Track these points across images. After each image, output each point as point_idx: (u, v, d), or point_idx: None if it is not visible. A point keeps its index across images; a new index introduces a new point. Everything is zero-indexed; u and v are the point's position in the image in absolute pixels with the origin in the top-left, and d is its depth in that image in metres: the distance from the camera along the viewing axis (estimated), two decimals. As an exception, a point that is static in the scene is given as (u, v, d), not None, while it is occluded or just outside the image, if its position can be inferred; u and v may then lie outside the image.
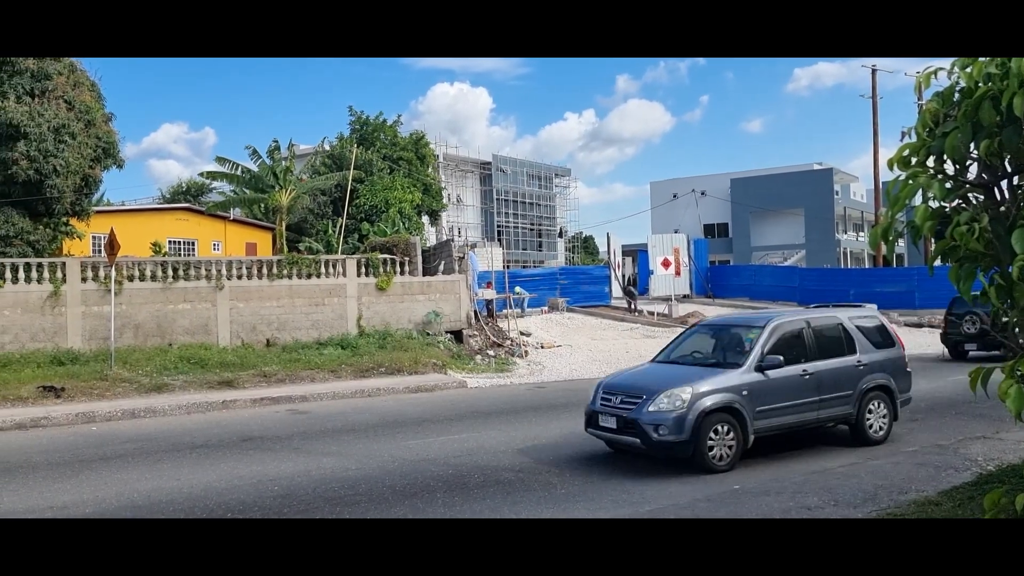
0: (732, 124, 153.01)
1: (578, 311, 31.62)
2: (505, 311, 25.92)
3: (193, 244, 39.43)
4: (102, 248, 23.98)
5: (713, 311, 31.87)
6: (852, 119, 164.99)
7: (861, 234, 63.11)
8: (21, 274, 17.89)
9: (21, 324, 17.69)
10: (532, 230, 72.58)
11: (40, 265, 18.33)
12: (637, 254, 44.55)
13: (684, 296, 36.33)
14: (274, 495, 8.31)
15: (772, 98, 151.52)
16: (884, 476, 8.61)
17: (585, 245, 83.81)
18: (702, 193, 62.62)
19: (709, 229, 62.67)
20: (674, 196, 63.84)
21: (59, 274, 18.24)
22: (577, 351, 22.58)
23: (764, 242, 59.70)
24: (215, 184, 44.14)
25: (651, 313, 30.57)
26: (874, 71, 38.05)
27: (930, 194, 3.28)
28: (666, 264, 34.37)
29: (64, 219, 24.11)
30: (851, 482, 8.37)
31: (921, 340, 24.28)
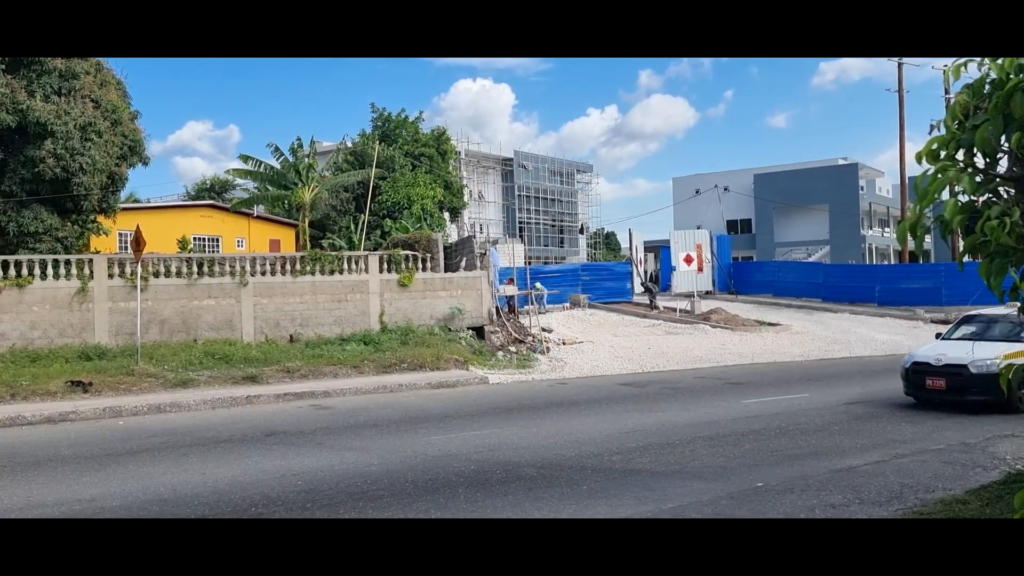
0: (756, 119, 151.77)
1: (600, 307, 31.54)
2: (527, 307, 25.92)
3: (217, 241, 39.77)
4: (128, 245, 24.27)
5: (736, 307, 31.70)
6: (878, 113, 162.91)
7: (887, 230, 62.39)
8: (50, 271, 18.15)
9: (50, 320, 17.95)
10: (554, 226, 72.44)
11: (68, 262, 18.58)
12: (659, 250, 44.39)
13: (707, 292, 36.12)
14: (298, 490, 8.37)
15: (797, 92, 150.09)
16: (910, 474, 8.52)
17: (607, 241, 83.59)
18: (725, 189, 62.18)
19: (732, 225, 62.24)
20: (696, 192, 63.46)
21: (87, 270, 18.48)
22: (599, 347, 22.52)
23: (788, 238, 59.17)
24: (239, 181, 44.51)
25: (673, 310, 30.42)
26: (900, 65, 37.56)
27: (960, 188, 3.22)
28: (688, 260, 34.18)
29: (91, 216, 24.41)
30: (876, 480, 8.29)
31: (948, 337, 23.99)
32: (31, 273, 17.99)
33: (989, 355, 11.89)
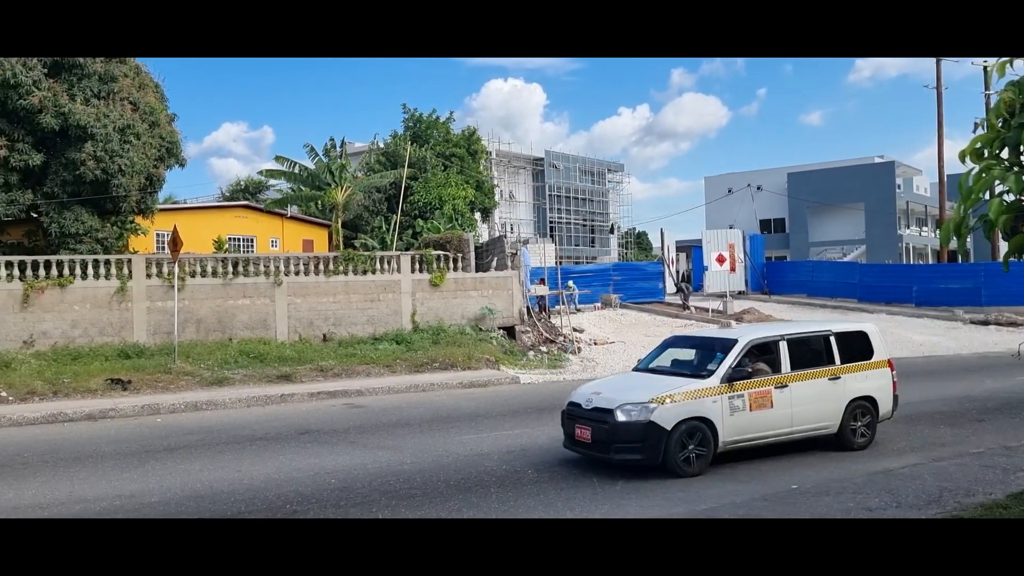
0: (790, 117, 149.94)
1: (631, 307, 31.41)
2: (558, 307, 25.89)
3: (252, 241, 40.25)
4: (166, 245, 24.65)
5: (769, 307, 31.37)
6: (916, 110, 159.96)
7: (924, 229, 61.34)
8: (90, 271, 18.50)
9: (90, 319, 18.30)
10: (585, 226, 72.24)
11: (108, 262, 18.93)
12: (691, 250, 44.07)
13: (739, 292, 35.81)
14: (331, 487, 8.44)
15: (833, 90, 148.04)
16: (949, 478, 8.37)
17: (638, 241, 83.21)
18: (758, 188, 61.55)
19: (765, 224, 61.59)
20: (729, 191, 62.94)
21: (125, 270, 18.81)
22: (630, 347, 22.42)
23: (822, 238, 58.41)
24: (273, 182, 44.98)
25: (705, 310, 30.19)
26: (938, 61, 36.89)
27: (1005, 187, 3.16)
28: (721, 260, 33.86)
29: (130, 217, 24.86)
30: (914, 484, 8.16)
31: (987, 338, 23.55)
32: (72, 273, 18.36)
33: (644, 396, 8.80)
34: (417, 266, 21.92)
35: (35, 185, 22.33)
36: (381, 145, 45.52)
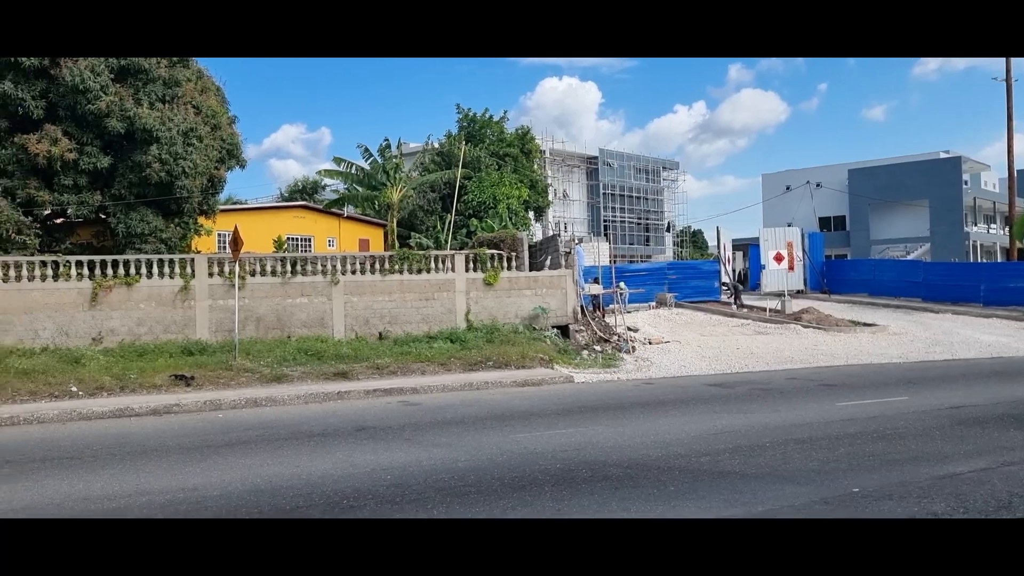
0: (852, 112, 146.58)
1: (687, 306, 31.08)
2: (612, 306, 25.74)
3: (309, 240, 40.97)
4: (227, 245, 25.27)
5: (829, 307, 30.71)
6: (984, 104, 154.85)
7: (993, 226, 59.28)
8: (155, 270, 19.07)
9: (155, 316, 18.86)
10: (639, 224, 71.72)
11: (172, 261, 19.48)
12: (748, 248, 43.39)
13: (798, 291, 35.11)
14: (387, 484, 8.53)
15: (897, 83, 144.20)
16: (1020, 483, 8.08)
17: (694, 239, 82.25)
18: (817, 185, 60.30)
19: (825, 222, 60.30)
20: (787, 188, 61.78)
21: (188, 270, 19.34)
22: (686, 347, 22.19)
23: (884, 235, 56.91)
24: (329, 182, 45.70)
25: (763, 309, 29.69)
26: (1009, 52, 35.57)
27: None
28: (779, 258, 33.23)
29: (193, 217, 25.53)
30: (982, 489, 7.89)
31: (1062, 339, 22.64)
32: (138, 272, 18.95)
33: None
34: (471, 265, 22.04)
35: (103, 187, 23.10)
36: (436, 145, 45.89)
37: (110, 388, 15.11)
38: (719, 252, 38.39)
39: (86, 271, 18.61)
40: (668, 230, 74.93)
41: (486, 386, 16.31)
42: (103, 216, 24.10)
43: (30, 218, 22.14)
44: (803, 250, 37.46)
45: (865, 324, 26.76)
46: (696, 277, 34.99)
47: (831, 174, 60.20)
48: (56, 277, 18.41)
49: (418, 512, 7.47)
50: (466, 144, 41.23)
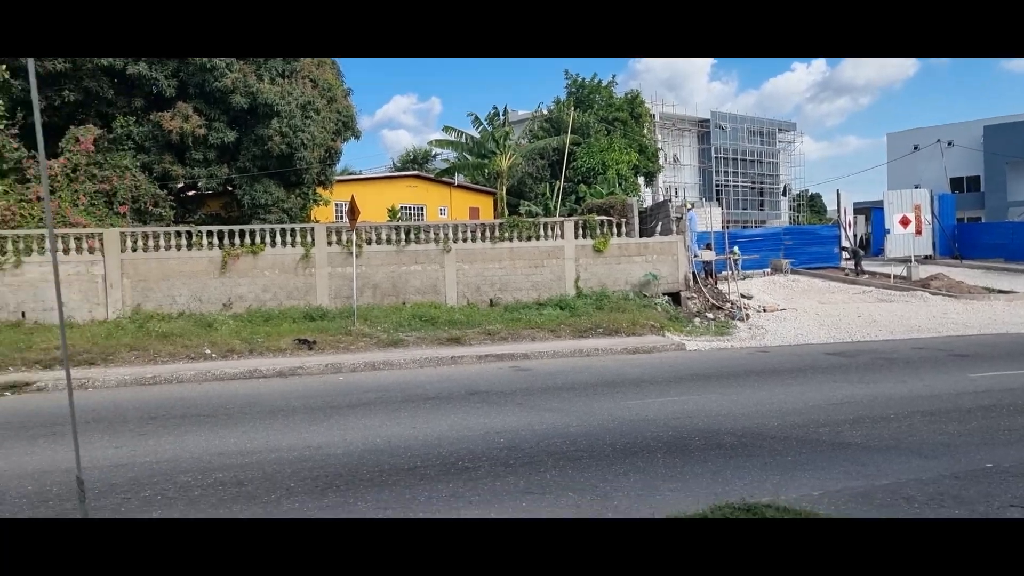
0: (988, 64, 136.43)
1: (803, 273, 30.03)
2: (724, 273, 25.18)
3: (422, 209, 41.81)
4: (343, 214, 26.10)
5: (960, 273, 29.02)
6: None
7: None
8: (278, 239, 19.95)
9: (279, 283, 19.78)
10: (753, 188, 69.57)
11: (293, 231, 20.33)
12: (871, 212, 41.41)
13: (926, 257, 33.35)
14: (500, 447, 8.72)
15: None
16: None
17: (811, 203, 79.13)
18: (948, 143, 56.62)
19: (956, 183, 56.65)
20: (915, 148, 58.30)
21: (309, 238, 20.14)
22: (803, 315, 21.48)
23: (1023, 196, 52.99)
24: (439, 151, 46.41)
25: (886, 275, 28.34)
26: None
27: None
28: (905, 222, 31.56)
29: (312, 188, 26.51)
30: None
31: None
32: (263, 241, 19.88)
33: None
34: (580, 232, 21.98)
35: (229, 160, 24.27)
36: (544, 112, 45.75)
37: (240, 351, 15.99)
38: (839, 216, 36.82)
39: (216, 240, 19.67)
40: (784, 194, 72.32)
41: (596, 353, 16.33)
42: (230, 188, 25.36)
43: (165, 191, 23.56)
44: (932, 213, 35.49)
45: (1001, 291, 25.14)
46: (814, 243, 33.71)
47: (964, 132, 56.34)
48: (190, 247, 19.55)
49: (531, 475, 7.61)
50: (575, 110, 40.90)
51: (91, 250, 18.77)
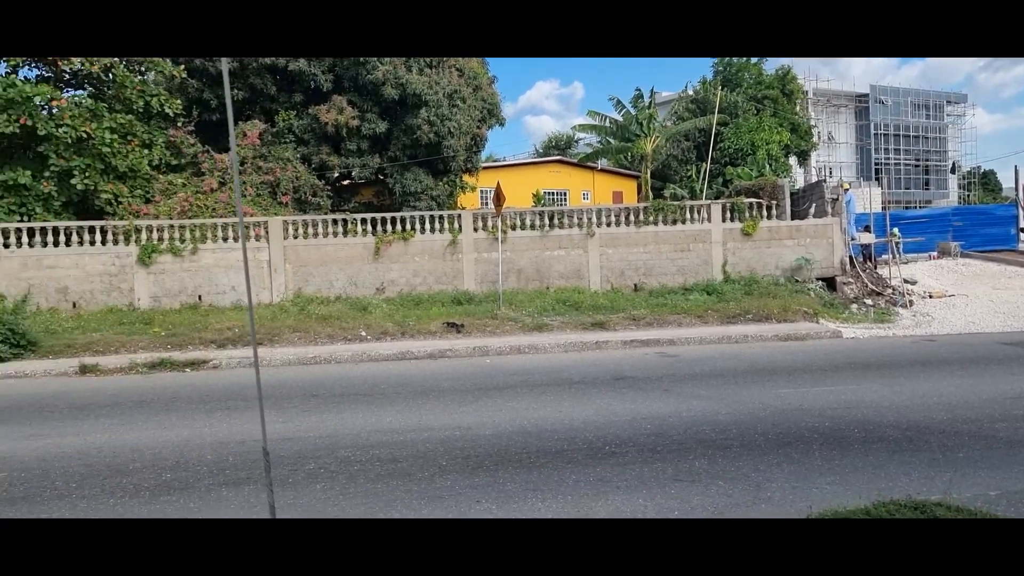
0: None
1: (975, 256, 27.86)
2: (884, 257, 23.75)
3: (565, 194, 41.91)
4: (488, 200, 26.58)
5: None
6: None
7: None
8: (427, 225, 20.60)
9: (428, 268, 20.44)
10: (917, 166, 65.11)
11: (441, 217, 20.92)
12: (1056, 189, 37.76)
13: (1123, 239, 30.06)
14: (647, 433, 8.65)
15: None
16: None
17: (984, 181, 73.09)
18: None
19: None
20: (1109, 117, 52.56)
21: (456, 225, 20.66)
22: (974, 302, 19.95)
23: None
24: (582, 136, 46.32)
25: (1074, 259, 25.80)
26: None
27: None
28: (1096, 200, 28.55)
29: (458, 175, 27.15)
30: None
31: None
32: (412, 228, 20.58)
33: None
34: (728, 215, 21.36)
35: (381, 150, 25.24)
36: (690, 93, 44.65)
37: (392, 333, 16.66)
38: (1017, 195, 33.83)
39: (369, 228, 20.56)
40: (952, 172, 67.21)
41: (745, 339, 15.86)
42: (381, 176, 26.39)
43: (323, 181, 24.81)
44: None
45: None
46: (987, 224, 31.13)
47: None
48: (345, 234, 20.52)
49: (679, 462, 7.52)
50: (722, 89, 39.66)
51: (257, 237, 20.09)
